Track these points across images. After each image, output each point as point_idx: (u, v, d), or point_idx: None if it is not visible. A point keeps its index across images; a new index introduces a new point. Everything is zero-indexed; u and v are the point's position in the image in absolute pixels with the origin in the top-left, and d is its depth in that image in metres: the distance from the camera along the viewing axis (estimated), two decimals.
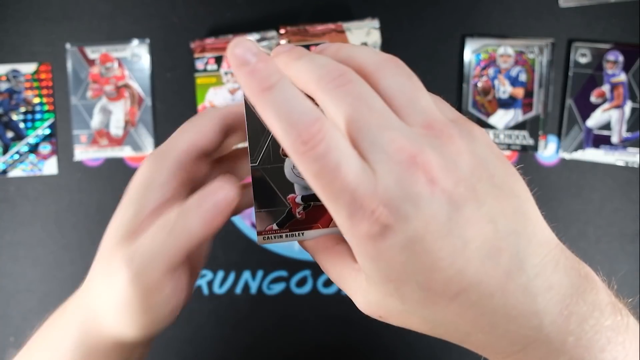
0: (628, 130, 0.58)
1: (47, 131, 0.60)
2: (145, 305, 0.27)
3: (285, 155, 0.28)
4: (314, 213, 0.30)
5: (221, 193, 0.26)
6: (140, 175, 0.28)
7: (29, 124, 0.60)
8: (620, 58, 0.57)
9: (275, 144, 0.28)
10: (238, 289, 0.60)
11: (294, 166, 0.28)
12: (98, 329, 0.31)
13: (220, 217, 0.26)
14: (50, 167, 0.60)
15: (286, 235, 0.29)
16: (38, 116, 0.60)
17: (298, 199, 0.29)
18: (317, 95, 0.21)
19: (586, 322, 0.21)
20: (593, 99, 0.58)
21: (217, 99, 0.59)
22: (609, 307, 0.23)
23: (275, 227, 0.30)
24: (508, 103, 0.59)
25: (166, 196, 0.27)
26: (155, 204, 0.27)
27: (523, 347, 0.22)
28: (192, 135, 0.28)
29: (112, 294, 0.28)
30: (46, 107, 0.60)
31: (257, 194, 0.29)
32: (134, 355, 0.33)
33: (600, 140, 0.58)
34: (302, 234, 0.29)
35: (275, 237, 0.30)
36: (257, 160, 0.28)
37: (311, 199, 0.29)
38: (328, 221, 0.29)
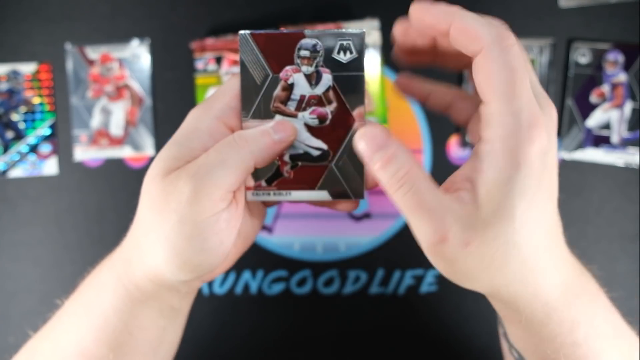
0: (628, 130, 0.58)
1: (47, 131, 0.60)
2: (198, 231, 0.27)
3: (276, 112, 0.30)
4: (301, 173, 0.31)
5: (280, 122, 0.30)
6: (186, 123, 0.30)
7: (29, 124, 0.60)
8: (620, 58, 0.57)
9: (266, 100, 0.30)
10: (238, 289, 0.60)
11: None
12: (141, 271, 0.30)
13: (279, 146, 0.29)
14: (50, 167, 0.60)
15: (274, 193, 0.31)
16: (38, 116, 0.60)
17: (286, 157, 0.31)
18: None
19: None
20: (593, 99, 0.58)
21: None
22: None
23: (263, 183, 0.31)
24: None
25: (210, 141, 0.29)
26: (201, 145, 0.29)
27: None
28: (232, 91, 0.30)
29: (163, 221, 0.28)
30: (46, 107, 0.60)
31: None
32: (175, 307, 0.33)
33: (600, 140, 0.58)
34: (290, 193, 0.31)
35: (263, 194, 0.31)
36: (248, 115, 0.30)
37: (298, 158, 0.31)
38: (315, 182, 0.31)
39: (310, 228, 0.60)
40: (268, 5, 0.59)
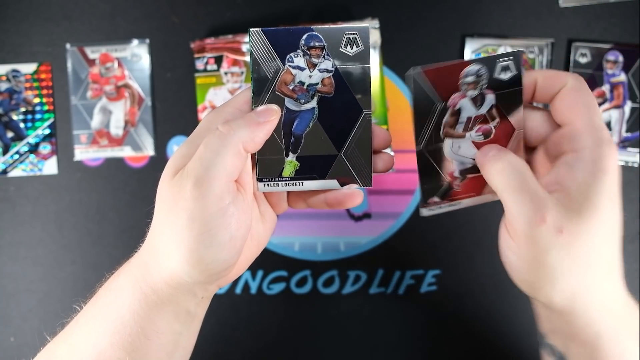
0: (628, 130, 0.58)
1: (47, 131, 0.60)
2: (207, 226, 0.28)
3: (446, 136, 0.33)
4: (469, 184, 0.34)
5: (263, 107, 0.31)
6: (200, 125, 0.32)
7: (29, 124, 0.60)
8: (620, 58, 0.57)
9: (436, 129, 0.32)
10: (238, 289, 0.60)
11: (452, 144, 0.33)
12: (158, 274, 0.31)
13: (264, 127, 0.31)
14: (50, 167, 0.60)
15: (446, 206, 0.34)
16: (38, 116, 0.60)
17: (456, 173, 0.34)
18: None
19: None
20: None
21: (217, 99, 0.59)
22: None
23: (436, 199, 0.34)
24: None
25: None
26: None
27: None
28: (243, 96, 0.32)
29: (173, 222, 0.29)
30: (46, 107, 0.60)
31: (421, 172, 0.33)
32: (191, 312, 0.33)
33: None
34: (460, 202, 0.34)
35: (436, 208, 0.34)
36: (421, 144, 0.33)
37: (467, 172, 0.34)
38: (481, 188, 0.34)
39: (310, 228, 0.60)
40: (268, 5, 0.59)
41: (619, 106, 0.58)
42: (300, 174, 0.33)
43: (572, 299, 0.29)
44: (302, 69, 0.31)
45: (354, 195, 0.34)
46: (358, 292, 0.60)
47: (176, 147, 0.60)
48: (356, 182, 0.33)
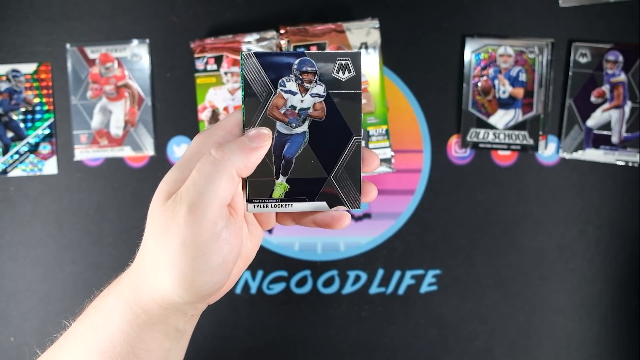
0: (628, 130, 0.58)
1: (47, 131, 0.60)
2: (200, 251, 0.29)
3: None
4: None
5: (254, 130, 0.32)
6: (190, 148, 0.32)
7: (29, 124, 0.60)
8: (620, 58, 0.57)
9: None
10: (238, 289, 0.60)
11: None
12: (148, 294, 0.31)
13: (256, 152, 0.31)
14: (50, 167, 0.60)
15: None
16: (38, 116, 0.60)
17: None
18: None
19: None
20: (593, 99, 0.58)
21: (217, 99, 0.59)
22: None
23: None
24: (508, 103, 0.59)
25: None
26: None
27: None
28: (234, 118, 0.33)
29: (166, 246, 0.29)
30: (46, 107, 0.60)
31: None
32: (180, 329, 0.34)
33: (600, 140, 0.58)
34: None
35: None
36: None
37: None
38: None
39: (310, 228, 0.60)
40: (268, 5, 0.59)
41: (619, 106, 0.58)
42: (290, 196, 0.33)
43: None
44: (294, 94, 0.32)
45: (342, 217, 0.34)
46: (358, 292, 0.60)
47: (176, 147, 0.60)
48: (345, 204, 0.33)
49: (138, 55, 0.60)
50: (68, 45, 0.60)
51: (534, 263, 0.59)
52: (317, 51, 0.31)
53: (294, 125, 0.32)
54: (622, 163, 0.58)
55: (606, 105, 0.58)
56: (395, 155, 0.59)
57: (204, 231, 0.28)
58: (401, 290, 0.59)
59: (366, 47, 0.57)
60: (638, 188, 0.58)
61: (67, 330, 0.34)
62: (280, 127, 0.32)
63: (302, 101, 0.32)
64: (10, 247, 0.60)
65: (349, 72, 0.32)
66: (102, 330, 0.32)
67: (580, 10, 0.58)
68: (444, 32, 0.59)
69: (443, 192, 0.59)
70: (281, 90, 0.32)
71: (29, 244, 0.60)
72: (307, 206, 0.34)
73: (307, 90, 0.32)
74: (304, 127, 0.32)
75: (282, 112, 0.32)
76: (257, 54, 0.31)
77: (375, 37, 0.56)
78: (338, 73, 0.32)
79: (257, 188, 0.33)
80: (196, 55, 0.58)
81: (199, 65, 0.58)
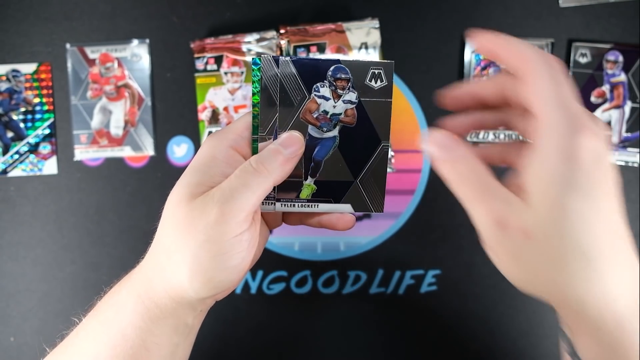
0: (628, 130, 0.58)
1: (47, 131, 0.60)
2: (223, 250, 0.30)
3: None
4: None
5: (290, 140, 0.33)
6: (203, 151, 0.33)
7: (29, 124, 0.60)
8: (620, 58, 0.57)
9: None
10: (238, 289, 0.60)
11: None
12: (162, 288, 0.32)
13: (292, 161, 0.32)
14: (50, 167, 0.60)
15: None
16: (38, 116, 0.60)
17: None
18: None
19: None
20: (593, 99, 0.58)
21: (217, 99, 0.59)
22: None
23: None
24: None
25: (228, 168, 0.32)
26: (220, 172, 0.32)
27: None
28: (244, 122, 0.34)
29: (189, 242, 0.30)
30: (46, 107, 0.60)
31: None
32: (189, 324, 0.35)
33: None
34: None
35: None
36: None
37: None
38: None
39: (310, 228, 0.60)
40: (268, 5, 0.59)
41: (619, 106, 0.58)
42: (317, 197, 0.35)
43: (564, 296, 0.27)
44: (327, 99, 0.33)
45: (347, 219, 0.36)
46: (358, 292, 0.60)
47: (176, 147, 0.60)
48: (369, 208, 0.35)
49: (138, 55, 0.60)
50: (68, 45, 0.60)
51: None
52: (351, 59, 0.33)
53: (325, 129, 0.34)
54: (622, 163, 0.58)
55: (606, 106, 0.58)
56: (395, 155, 0.59)
57: (230, 231, 0.30)
58: (401, 290, 0.59)
59: (366, 47, 0.57)
60: (638, 188, 0.58)
61: (77, 326, 0.35)
62: (312, 130, 0.33)
63: (334, 107, 0.33)
64: (10, 247, 0.60)
65: (382, 81, 0.33)
66: (113, 324, 0.33)
67: (580, 10, 0.58)
68: (444, 32, 0.59)
69: (443, 192, 0.59)
70: (315, 95, 0.33)
71: (29, 244, 0.60)
72: (332, 207, 0.35)
73: (339, 96, 0.33)
74: (335, 132, 0.34)
75: (315, 116, 0.33)
76: (293, 60, 0.32)
77: (375, 37, 0.56)
78: (371, 81, 0.33)
79: (285, 188, 0.34)
80: (196, 55, 0.58)
81: (199, 65, 0.58)
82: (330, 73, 0.33)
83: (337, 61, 0.33)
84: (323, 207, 0.35)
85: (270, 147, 0.32)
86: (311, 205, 0.35)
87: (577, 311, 0.28)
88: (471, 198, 0.28)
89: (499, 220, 0.26)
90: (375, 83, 0.33)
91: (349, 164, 0.34)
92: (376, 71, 0.33)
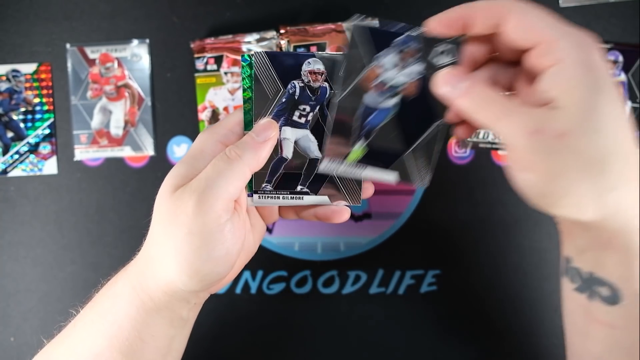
0: None
1: (47, 131, 0.60)
2: (205, 241, 0.30)
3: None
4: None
5: (264, 126, 0.33)
6: (193, 145, 0.34)
7: (29, 124, 0.60)
8: (620, 58, 0.57)
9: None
10: (238, 289, 0.60)
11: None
12: (154, 282, 0.32)
13: (265, 146, 0.33)
14: (50, 167, 0.60)
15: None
16: (38, 116, 0.60)
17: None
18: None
19: None
20: None
21: (217, 99, 0.59)
22: None
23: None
24: None
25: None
26: (205, 164, 0.32)
27: None
28: (235, 117, 0.34)
29: (173, 234, 0.31)
30: (46, 107, 0.60)
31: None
32: (184, 317, 0.35)
33: None
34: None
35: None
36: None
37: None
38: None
39: (310, 228, 0.60)
40: (268, 5, 0.59)
41: None
42: (365, 161, 0.35)
43: (595, 204, 0.27)
44: (390, 69, 0.33)
45: (341, 211, 0.36)
46: (358, 292, 0.60)
47: (176, 147, 0.60)
48: (411, 181, 0.35)
49: (138, 55, 0.60)
50: (68, 45, 0.60)
51: (534, 263, 0.59)
52: (422, 32, 0.33)
53: (383, 98, 0.33)
54: None
55: None
56: None
57: (210, 222, 0.30)
58: (401, 290, 0.59)
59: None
60: None
61: (75, 317, 0.36)
62: (368, 98, 0.33)
63: (397, 77, 0.33)
64: (10, 247, 0.60)
65: (449, 57, 0.33)
66: (110, 316, 0.33)
67: (580, 10, 0.58)
68: None
69: (443, 192, 0.59)
70: (377, 64, 0.33)
71: (29, 244, 0.60)
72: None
73: (404, 67, 0.33)
74: (392, 102, 0.33)
75: (373, 85, 0.33)
76: (370, 28, 0.32)
77: None
78: (438, 57, 0.33)
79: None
80: (196, 55, 0.58)
81: (199, 65, 0.58)
82: (400, 41, 0.32)
83: (410, 29, 0.33)
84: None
85: (245, 136, 0.33)
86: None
87: (606, 219, 0.27)
88: (496, 118, 0.28)
89: (533, 129, 0.26)
90: (443, 59, 0.33)
91: (402, 134, 0.34)
92: (445, 48, 0.33)
